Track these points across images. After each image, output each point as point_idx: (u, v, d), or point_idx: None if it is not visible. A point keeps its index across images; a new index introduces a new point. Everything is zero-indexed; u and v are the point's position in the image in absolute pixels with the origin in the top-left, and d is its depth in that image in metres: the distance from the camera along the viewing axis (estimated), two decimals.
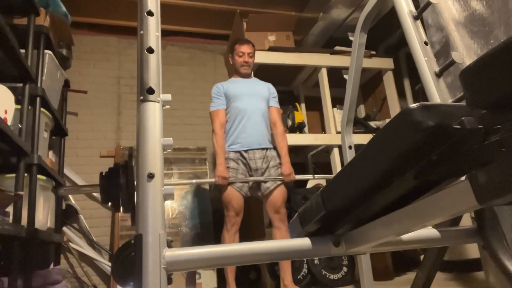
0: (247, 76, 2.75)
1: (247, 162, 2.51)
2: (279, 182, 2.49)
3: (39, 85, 2.24)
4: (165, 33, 3.67)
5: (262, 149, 2.55)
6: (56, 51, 2.70)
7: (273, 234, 2.44)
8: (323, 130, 3.69)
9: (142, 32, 0.84)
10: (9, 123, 1.81)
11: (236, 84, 2.68)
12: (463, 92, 0.58)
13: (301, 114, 3.42)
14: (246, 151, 2.52)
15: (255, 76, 3.17)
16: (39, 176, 2.19)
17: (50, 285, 2.20)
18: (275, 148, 2.62)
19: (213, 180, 2.47)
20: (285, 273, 2.37)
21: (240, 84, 2.68)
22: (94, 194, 3.27)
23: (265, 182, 2.49)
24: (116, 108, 3.61)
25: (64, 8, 2.70)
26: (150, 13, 0.86)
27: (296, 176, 2.52)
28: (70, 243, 3.04)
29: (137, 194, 0.75)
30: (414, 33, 1.25)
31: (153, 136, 0.79)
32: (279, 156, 2.58)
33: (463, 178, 0.75)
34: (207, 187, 3.36)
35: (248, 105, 2.58)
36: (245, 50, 2.69)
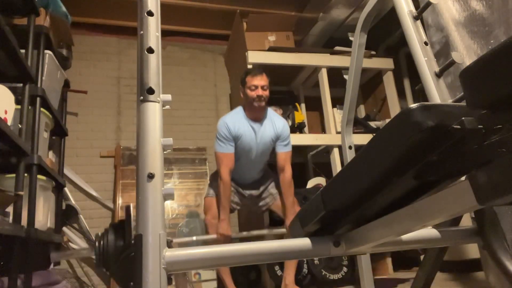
0: (260, 112, 2.37)
1: (240, 191, 2.47)
2: (277, 197, 2.45)
3: (39, 85, 2.24)
4: (165, 33, 3.66)
5: (256, 181, 2.49)
6: (56, 51, 2.70)
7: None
8: (323, 130, 3.69)
9: (142, 32, 0.85)
10: (9, 123, 1.81)
11: (245, 131, 2.34)
12: (463, 92, 0.58)
13: (301, 114, 3.42)
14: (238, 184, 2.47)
15: None
16: (39, 176, 2.19)
17: (50, 285, 2.20)
18: (269, 165, 2.52)
19: (214, 236, 2.24)
20: (288, 272, 2.33)
21: (249, 132, 2.35)
22: (94, 194, 3.27)
23: (263, 198, 2.47)
24: (116, 108, 3.61)
25: (64, 8, 2.70)
26: (150, 13, 0.86)
27: None
28: (70, 243, 3.03)
29: (137, 194, 0.75)
30: (414, 33, 1.25)
31: (153, 136, 0.79)
32: (273, 172, 2.49)
33: (463, 178, 0.75)
34: None
35: (254, 156, 2.39)
36: (258, 83, 2.30)
